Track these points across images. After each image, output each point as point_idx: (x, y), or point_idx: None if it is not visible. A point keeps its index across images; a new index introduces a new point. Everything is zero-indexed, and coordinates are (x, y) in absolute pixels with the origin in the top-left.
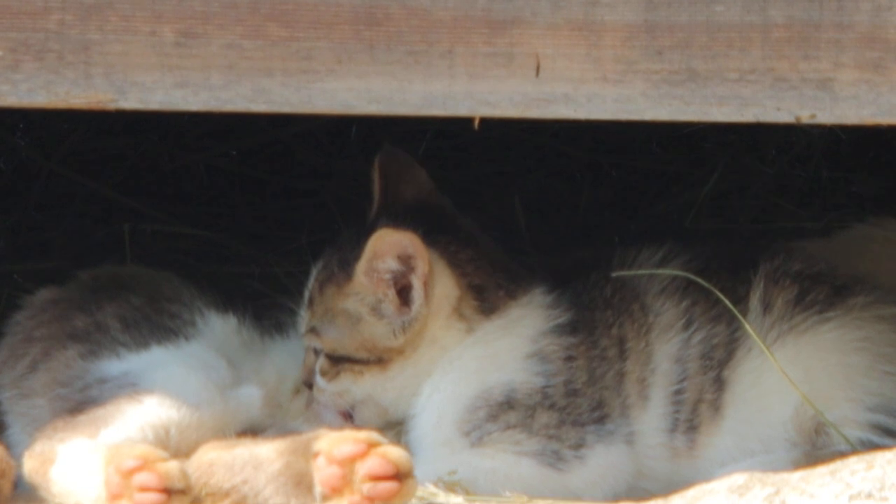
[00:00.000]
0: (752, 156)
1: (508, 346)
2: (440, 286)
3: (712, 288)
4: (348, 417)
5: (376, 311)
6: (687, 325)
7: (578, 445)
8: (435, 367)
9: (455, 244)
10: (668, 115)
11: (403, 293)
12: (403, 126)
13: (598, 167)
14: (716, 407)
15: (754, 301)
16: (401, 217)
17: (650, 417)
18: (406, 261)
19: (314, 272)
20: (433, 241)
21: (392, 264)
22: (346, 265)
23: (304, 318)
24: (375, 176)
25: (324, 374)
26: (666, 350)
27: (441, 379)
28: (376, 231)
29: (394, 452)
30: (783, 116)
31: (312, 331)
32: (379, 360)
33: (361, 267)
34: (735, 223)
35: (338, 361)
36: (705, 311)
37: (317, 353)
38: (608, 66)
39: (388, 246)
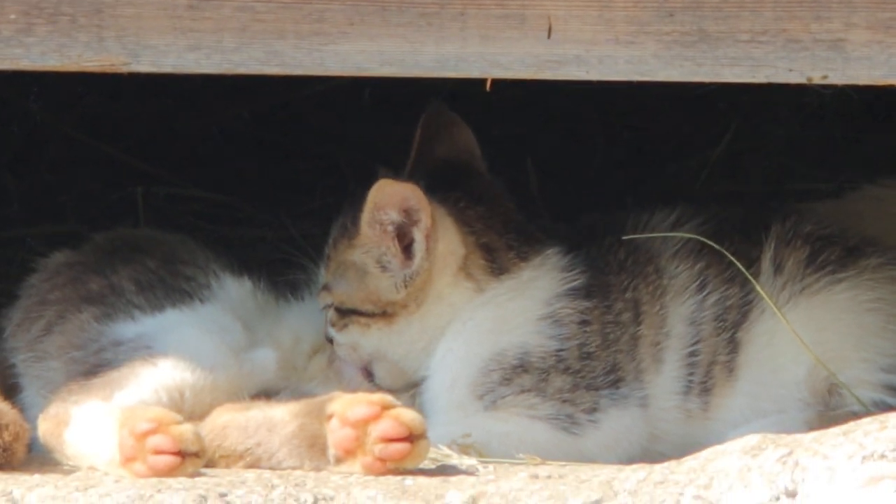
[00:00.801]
0: (764, 117)
1: (521, 308)
2: (444, 242)
3: (723, 250)
4: (368, 375)
5: (380, 263)
6: (701, 288)
7: (592, 409)
8: (446, 325)
9: (465, 201)
10: (680, 76)
11: (408, 247)
12: (416, 87)
13: (611, 129)
14: (730, 368)
15: (766, 262)
16: (420, 173)
17: (664, 380)
18: (408, 213)
19: (332, 232)
20: (442, 198)
21: (393, 216)
22: (355, 219)
23: (322, 276)
24: (417, 133)
25: (333, 324)
26: (680, 312)
27: (454, 340)
28: (376, 182)
29: (407, 414)
30: (795, 77)
31: (325, 287)
32: (384, 313)
33: (365, 218)
34: (747, 184)
35: (345, 314)
36: (719, 274)
37: (330, 308)
38: (620, 27)
39: (387, 197)
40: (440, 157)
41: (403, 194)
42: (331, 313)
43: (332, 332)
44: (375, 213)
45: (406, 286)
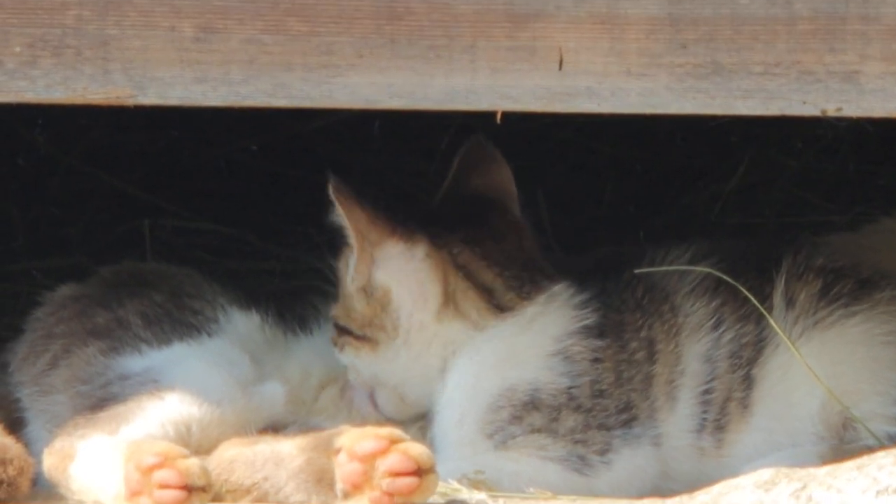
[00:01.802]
0: (778, 149)
1: (529, 344)
2: (404, 284)
3: (738, 285)
4: (375, 403)
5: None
6: (717, 325)
7: (605, 451)
8: (445, 357)
9: (461, 246)
10: (693, 108)
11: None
12: (426, 120)
13: (623, 161)
14: (745, 405)
15: (777, 297)
16: (450, 201)
17: (678, 419)
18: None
19: None
20: (436, 242)
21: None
22: None
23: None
24: (455, 162)
25: (334, 343)
26: (695, 350)
27: (462, 375)
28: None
29: (415, 448)
30: (809, 110)
31: (337, 297)
32: (365, 336)
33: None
34: (761, 217)
35: (341, 332)
36: (734, 311)
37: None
38: (632, 59)
39: (335, 209)
40: (473, 190)
41: (340, 214)
42: (332, 330)
43: (336, 351)
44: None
45: (357, 306)
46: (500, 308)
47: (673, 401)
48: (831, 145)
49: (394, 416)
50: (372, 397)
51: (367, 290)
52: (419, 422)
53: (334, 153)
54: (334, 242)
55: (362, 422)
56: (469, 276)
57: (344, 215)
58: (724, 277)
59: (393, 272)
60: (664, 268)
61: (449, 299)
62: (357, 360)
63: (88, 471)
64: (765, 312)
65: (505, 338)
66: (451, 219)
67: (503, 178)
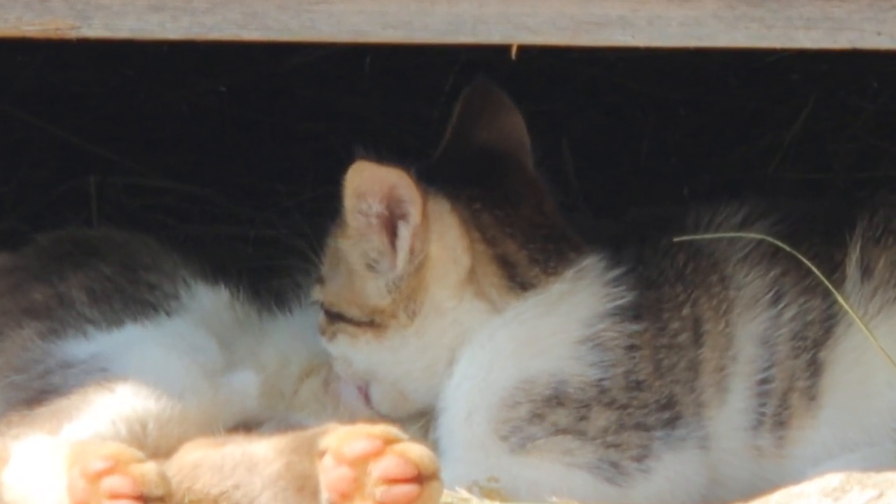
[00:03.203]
0: (849, 90)
1: (553, 328)
2: (442, 245)
3: (795, 252)
4: (367, 398)
5: (366, 260)
6: (776, 300)
7: (643, 456)
8: (455, 346)
9: (481, 202)
10: (746, 40)
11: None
12: (427, 56)
13: (663, 105)
14: (811, 395)
15: (851, 266)
16: (453, 159)
17: (729, 414)
18: (394, 204)
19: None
20: (453, 194)
21: (376, 206)
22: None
23: (321, 267)
24: (455, 111)
25: (322, 332)
26: (750, 330)
27: (471, 364)
28: (353, 164)
29: (415, 450)
30: (885, 42)
31: (319, 280)
32: (371, 322)
33: (346, 206)
34: (828, 171)
35: (333, 319)
36: (797, 282)
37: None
38: None
39: (368, 183)
40: (480, 144)
41: (389, 181)
42: (320, 317)
43: (323, 341)
44: (356, 202)
45: (390, 292)
46: (522, 286)
47: (724, 393)
48: None
49: (390, 413)
50: (362, 391)
51: (410, 271)
52: (420, 419)
53: (317, 96)
54: (318, 204)
55: (351, 418)
56: (492, 244)
57: (401, 185)
58: (780, 245)
59: (437, 238)
60: (711, 234)
61: (472, 273)
62: (352, 351)
63: (24, 477)
64: (828, 284)
65: (525, 321)
66: (455, 180)
67: (514, 127)
